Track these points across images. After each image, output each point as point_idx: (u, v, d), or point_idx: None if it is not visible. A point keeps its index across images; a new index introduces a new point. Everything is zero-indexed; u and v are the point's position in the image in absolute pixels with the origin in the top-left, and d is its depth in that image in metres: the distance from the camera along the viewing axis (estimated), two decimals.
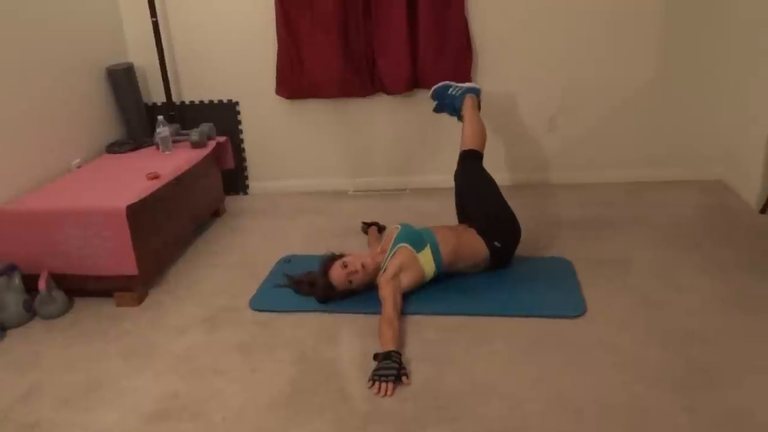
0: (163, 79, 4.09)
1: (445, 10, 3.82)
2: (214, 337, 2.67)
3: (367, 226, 3.56)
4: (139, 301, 2.99)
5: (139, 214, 2.94)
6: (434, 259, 2.81)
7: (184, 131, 3.91)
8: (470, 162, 3.13)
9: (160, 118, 3.73)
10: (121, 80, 3.90)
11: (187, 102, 4.26)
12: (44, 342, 2.72)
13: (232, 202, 4.30)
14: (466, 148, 3.17)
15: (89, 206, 2.88)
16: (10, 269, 2.88)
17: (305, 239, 3.59)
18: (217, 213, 4.02)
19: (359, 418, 2.11)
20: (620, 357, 2.34)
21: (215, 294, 3.03)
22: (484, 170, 3.12)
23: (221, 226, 3.89)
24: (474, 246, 2.89)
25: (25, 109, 3.21)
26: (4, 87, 3.07)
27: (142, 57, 4.15)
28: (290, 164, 4.36)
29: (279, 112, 4.22)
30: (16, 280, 2.87)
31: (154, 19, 3.95)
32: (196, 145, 3.74)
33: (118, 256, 2.89)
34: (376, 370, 2.28)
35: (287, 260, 3.30)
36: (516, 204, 3.07)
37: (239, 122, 4.28)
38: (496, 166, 3.61)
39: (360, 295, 2.84)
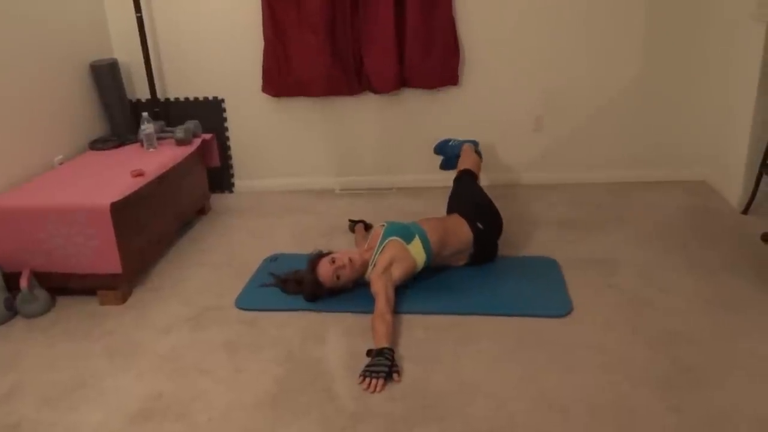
0: (148, 76, 4.05)
1: (432, 10, 3.82)
2: (199, 336, 2.65)
3: (353, 224, 3.55)
4: (123, 299, 2.95)
5: (123, 211, 2.90)
6: (424, 248, 2.82)
7: (169, 128, 3.88)
8: (466, 176, 3.33)
9: (145, 114, 3.69)
10: (105, 76, 3.86)
11: (172, 99, 4.22)
12: (26, 341, 2.68)
13: (218, 200, 4.27)
14: (462, 168, 3.38)
15: (73, 203, 2.84)
16: None
17: (291, 238, 3.57)
18: (202, 211, 3.99)
19: (346, 418, 2.10)
20: (606, 356, 2.35)
21: (200, 293, 3.00)
22: (477, 184, 3.31)
23: (206, 224, 3.86)
24: (459, 229, 2.96)
25: (7, 104, 3.16)
26: None
27: (126, 53, 4.11)
28: (276, 162, 4.33)
29: (265, 110, 4.19)
30: None
31: (138, 15, 3.91)
32: (181, 142, 3.70)
33: (102, 254, 2.85)
34: (367, 366, 2.28)
35: (273, 259, 3.28)
36: (502, 203, 3.10)
37: (225, 120, 4.25)
38: (482, 165, 3.62)
39: (347, 293, 2.83)
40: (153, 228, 3.25)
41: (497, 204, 3.15)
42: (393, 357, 2.31)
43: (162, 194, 3.34)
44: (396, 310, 2.66)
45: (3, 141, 3.13)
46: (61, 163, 3.52)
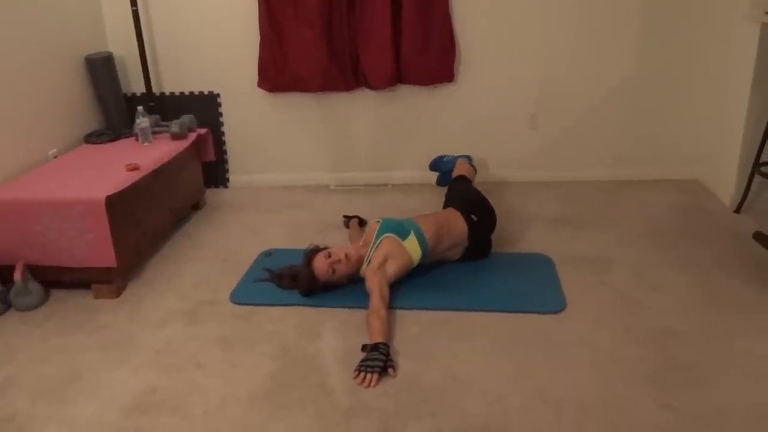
0: (143, 70, 4.04)
1: (429, 7, 3.82)
2: (194, 330, 2.65)
3: (348, 220, 3.56)
4: (118, 293, 2.95)
5: (118, 205, 2.90)
6: (419, 245, 2.83)
7: (164, 122, 3.87)
8: (462, 179, 3.44)
9: (140, 108, 3.68)
10: (100, 70, 3.84)
11: (167, 93, 4.21)
12: (20, 334, 2.68)
13: (212, 195, 4.26)
14: (457, 174, 3.49)
15: (67, 197, 2.83)
16: None
17: (286, 233, 3.57)
18: (197, 206, 3.98)
19: (341, 413, 2.11)
20: (599, 353, 2.37)
21: (195, 287, 3.00)
22: (472, 187, 3.39)
23: (201, 219, 3.86)
24: (454, 222, 2.98)
25: (2, 97, 3.14)
26: None
27: (121, 47, 4.09)
28: (271, 158, 4.33)
29: (261, 105, 4.19)
30: None
31: (134, 8, 3.89)
32: (176, 136, 3.70)
33: (97, 248, 2.85)
34: (362, 360, 2.29)
35: (268, 254, 3.28)
36: (496, 200, 3.12)
37: (220, 114, 4.24)
38: (479, 162, 3.63)
39: (342, 289, 2.84)
40: (148, 222, 3.25)
41: (491, 200, 3.17)
42: (388, 352, 2.32)
43: (157, 188, 3.34)
44: (390, 306, 2.67)
45: None
46: (55, 157, 3.51)
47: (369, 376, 2.23)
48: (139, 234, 3.15)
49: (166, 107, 4.19)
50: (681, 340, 2.43)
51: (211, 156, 4.06)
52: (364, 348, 2.37)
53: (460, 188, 3.31)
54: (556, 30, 3.91)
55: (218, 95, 4.20)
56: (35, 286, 2.89)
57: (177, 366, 2.41)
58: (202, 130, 3.95)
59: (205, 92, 4.20)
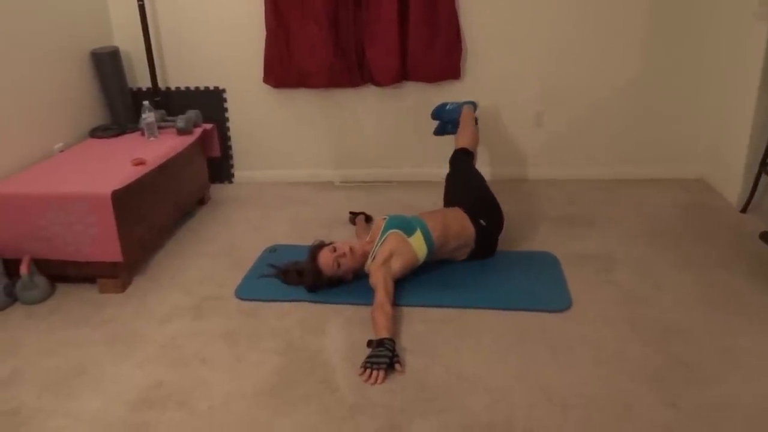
0: (149, 65, 4.04)
1: (435, 4, 3.82)
2: (199, 325, 2.65)
3: (354, 216, 3.56)
4: (123, 288, 2.96)
5: (124, 199, 2.90)
6: (425, 242, 2.82)
7: (170, 118, 3.88)
8: (462, 157, 3.29)
9: (146, 103, 3.68)
10: (106, 64, 3.85)
11: (173, 88, 4.21)
12: (25, 328, 2.69)
13: (217, 190, 4.27)
14: (458, 147, 3.33)
15: (74, 191, 2.84)
16: None
17: (291, 229, 3.57)
18: (202, 201, 3.99)
19: (346, 409, 2.11)
20: (604, 352, 2.37)
21: (200, 282, 3.01)
22: (473, 167, 3.27)
23: (206, 214, 3.86)
24: (461, 224, 2.95)
25: (8, 91, 3.15)
26: None
27: (127, 41, 4.10)
28: (276, 154, 4.33)
29: (266, 100, 4.19)
30: None
31: (140, 3, 3.89)
32: (182, 131, 3.70)
33: (103, 242, 2.85)
34: (368, 357, 2.29)
35: (272, 250, 3.28)
36: (502, 198, 3.10)
37: (225, 110, 4.24)
38: (481, 160, 3.63)
39: (347, 285, 2.85)
40: (153, 217, 3.25)
41: (497, 197, 3.13)
42: (394, 348, 2.32)
43: (162, 183, 3.34)
44: (396, 303, 2.67)
45: (3, 128, 3.12)
46: (61, 151, 3.52)
47: (375, 372, 2.23)
48: (145, 229, 3.15)
49: (171, 102, 4.19)
50: (686, 339, 2.43)
51: (216, 151, 4.07)
52: (369, 344, 2.37)
53: (465, 180, 3.21)
54: (563, 28, 3.90)
55: (224, 91, 4.20)
56: (41, 280, 2.89)
57: (182, 361, 2.41)
58: (208, 126, 3.96)
59: (211, 87, 4.20)
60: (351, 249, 2.78)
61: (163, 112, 3.92)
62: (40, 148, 3.38)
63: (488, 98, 4.06)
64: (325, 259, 2.77)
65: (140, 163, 3.17)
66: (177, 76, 4.20)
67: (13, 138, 3.19)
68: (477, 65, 4.01)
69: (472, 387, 2.20)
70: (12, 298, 2.86)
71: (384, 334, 2.37)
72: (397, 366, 2.27)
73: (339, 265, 2.76)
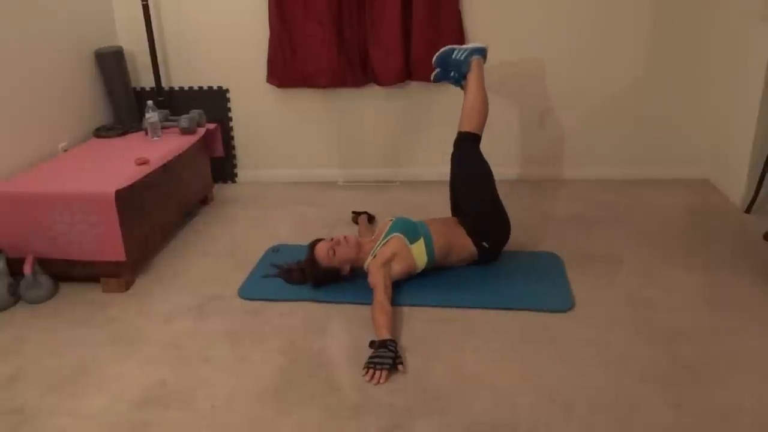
0: (153, 64, 4.04)
1: (438, 3, 3.81)
2: (202, 325, 2.65)
3: (357, 216, 3.56)
4: (126, 287, 2.96)
5: (127, 199, 2.91)
6: (426, 252, 2.81)
7: (174, 117, 3.88)
8: (467, 146, 3.04)
9: (150, 103, 3.68)
10: (110, 64, 3.85)
11: (176, 88, 4.22)
12: (29, 327, 2.69)
13: (220, 190, 4.27)
14: (463, 130, 3.06)
15: (77, 190, 2.84)
16: None
17: (294, 229, 3.57)
18: (205, 201, 3.99)
19: (349, 409, 2.11)
20: (608, 352, 2.36)
21: (203, 282, 3.01)
22: (480, 157, 3.04)
23: (209, 214, 3.87)
24: (463, 244, 2.92)
25: (12, 91, 3.15)
26: None
27: (131, 41, 4.10)
28: (279, 153, 4.33)
29: (269, 100, 4.19)
30: (1, 264, 2.82)
31: (144, 3, 3.90)
32: (185, 131, 3.70)
33: (106, 242, 2.85)
34: (371, 357, 2.29)
35: (275, 250, 3.28)
36: (506, 199, 3.08)
37: (229, 110, 4.24)
38: (487, 159, 3.61)
39: (349, 285, 2.85)
40: (156, 217, 3.25)
41: (501, 197, 3.03)
42: (396, 348, 2.32)
43: (166, 183, 3.34)
44: (397, 303, 2.67)
45: (8, 127, 3.13)
46: (65, 150, 3.52)
47: (378, 373, 2.22)
48: (148, 228, 3.15)
49: (175, 102, 4.20)
50: (690, 340, 2.42)
51: (220, 152, 4.07)
52: (371, 344, 2.36)
53: (469, 184, 3.01)
54: (567, 27, 3.89)
55: (227, 90, 4.20)
56: (45, 280, 2.90)
57: (185, 360, 2.41)
58: (212, 126, 3.96)
59: (214, 87, 4.20)
60: (345, 237, 2.81)
61: (166, 111, 3.92)
62: (44, 148, 3.39)
63: (492, 98, 4.02)
64: (320, 249, 2.80)
65: (144, 162, 3.17)
66: (180, 76, 4.20)
67: (17, 137, 3.19)
68: None
69: (475, 387, 2.19)
70: (16, 298, 2.86)
71: (385, 334, 2.37)
72: (399, 367, 2.27)
73: (334, 253, 2.78)
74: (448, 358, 2.36)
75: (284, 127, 4.26)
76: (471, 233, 2.92)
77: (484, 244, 2.93)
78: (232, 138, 4.32)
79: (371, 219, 3.55)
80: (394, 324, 2.53)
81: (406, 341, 2.46)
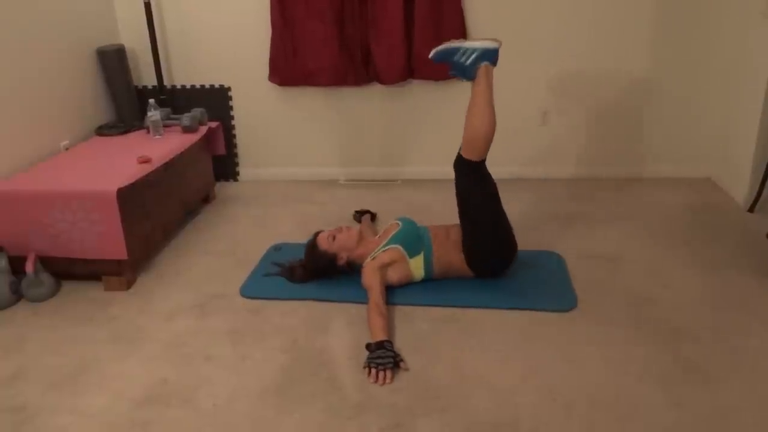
0: (155, 63, 4.04)
1: (441, 2, 3.80)
2: (203, 323, 2.65)
3: (359, 215, 3.55)
4: (128, 285, 2.96)
5: (129, 197, 2.91)
6: (425, 268, 2.81)
7: (175, 116, 3.88)
8: (467, 173, 2.72)
9: (152, 101, 3.68)
10: (112, 62, 3.85)
11: (178, 86, 4.21)
12: (31, 325, 2.69)
13: (222, 188, 4.27)
14: (464, 156, 2.69)
15: (79, 189, 2.84)
16: None
17: (295, 227, 3.57)
18: (206, 199, 3.99)
19: (351, 408, 2.11)
20: (610, 352, 2.36)
21: (205, 280, 3.01)
22: (482, 188, 2.73)
23: (211, 212, 3.87)
24: (464, 268, 2.83)
25: (14, 89, 3.15)
26: None
27: (133, 39, 4.10)
28: (281, 152, 4.33)
29: (271, 99, 4.19)
30: (3, 262, 2.83)
31: (146, 1, 3.89)
32: (187, 129, 3.70)
33: (108, 240, 2.85)
34: (372, 358, 2.28)
35: (277, 248, 3.28)
36: (508, 198, 3.05)
37: (231, 108, 4.24)
38: (489, 159, 3.60)
39: (350, 284, 2.84)
40: (158, 215, 3.25)
41: (503, 197, 2.84)
42: (393, 348, 2.33)
43: (168, 181, 3.34)
44: (398, 302, 2.68)
45: (10, 125, 3.13)
46: (67, 149, 3.52)
47: (383, 373, 2.22)
48: (150, 226, 3.15)
49: (177, 100, 4.20)
50: (692, 339, 2.41)
51: (221, 150, 4.07)
52: (368, 347, 2.35)
53: (474, 224, 2.73)
54: (569, 26, 3.88)
55: (229, 89, 4.20)
56: (47, 278, 2.90)
57: (187, 359, 2.41)
58: (213, 124, 3.96)
59: (216, 86, 4.20)
60: (347, 227, 2.92)
61: (168, 110, 3.91)
62: (46, 146, 3.39)
63: (494, 97, 4.03)
64: (322, 235, 2.90)
65: (146, 161, 3.17)
66: (182, 74, 4.20)
67: (20, 135, 3.20)
68: None
69: (476, 386, 2.19)
70: (18, 296, 2.87)
71: (381, 336, 2.37)
72: (401, 364, 2.28)
73: (334, 239, 2.85)
74: (450, 358, 2.35)
75: (286, 125, 4.25)
76: (473, 267, 2.82)
77: (484, 275, 2.86)
78: (233, 136, 4.31)
79: (374, 218, 3.54)
80: (393, 325, 2.53)
81: (407, 341, 2.46)
